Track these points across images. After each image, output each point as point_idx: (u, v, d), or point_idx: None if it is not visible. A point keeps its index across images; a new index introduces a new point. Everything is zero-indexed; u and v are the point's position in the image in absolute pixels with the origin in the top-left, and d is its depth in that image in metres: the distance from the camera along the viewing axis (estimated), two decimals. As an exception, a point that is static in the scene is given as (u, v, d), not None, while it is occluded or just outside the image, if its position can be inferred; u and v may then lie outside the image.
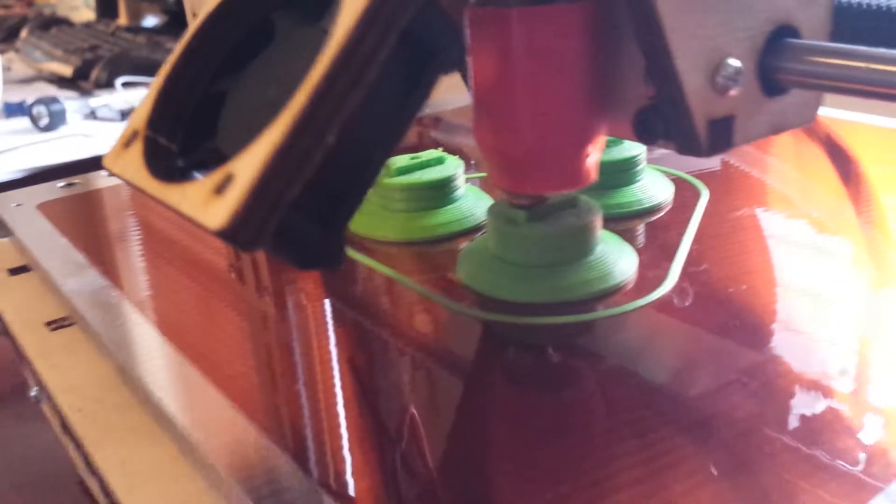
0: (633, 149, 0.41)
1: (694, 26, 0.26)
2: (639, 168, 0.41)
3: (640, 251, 0.36)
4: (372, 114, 0.23)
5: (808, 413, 0.26)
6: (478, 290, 0.34)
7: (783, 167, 0.48)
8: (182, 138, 0.26)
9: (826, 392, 0.27)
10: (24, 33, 1.28)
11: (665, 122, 0.28)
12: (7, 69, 1.15)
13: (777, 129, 0.30)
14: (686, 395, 0.27)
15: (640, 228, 0.40)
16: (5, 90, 1.05)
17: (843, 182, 0.46)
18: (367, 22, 0.21)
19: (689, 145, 0.28)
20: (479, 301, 0.34)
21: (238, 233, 0.21)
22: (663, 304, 0.32)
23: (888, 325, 0.31)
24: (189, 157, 0.26)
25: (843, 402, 0.26)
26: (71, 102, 0.97)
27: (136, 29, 1.30)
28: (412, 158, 0.42)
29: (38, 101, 0.92)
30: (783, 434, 0.24)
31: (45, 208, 0.49)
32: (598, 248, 0.34)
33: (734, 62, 0.27)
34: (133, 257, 0.42)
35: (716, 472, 0.23)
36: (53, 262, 0.41)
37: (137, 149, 0.25)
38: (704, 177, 0.45)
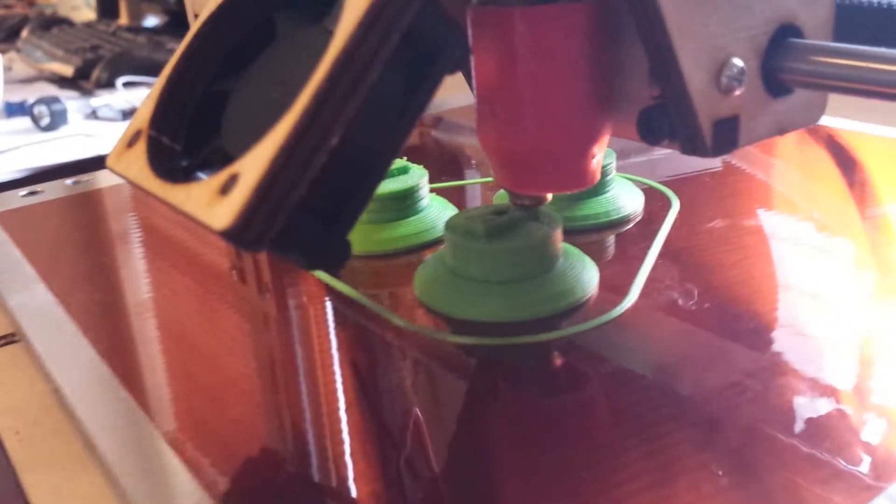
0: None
1: (697, 25, 0.26)
2: (608, 178, 0.40)
3: (603, 266, 0.35)
4: (376, 114, 0.23)
5: (807, 418, 0.26)
6: (432, 307, 0.33)
7: (758, 175, 0.47)
8: (185, 138, 0.26)
9: (827, 393, 0.27)
10: (25, 33, 1.28)
11: (670, 123, 0.28)
12: (8, 69, 1.15)
13: (783, 130, 0.30)
14: (645, 417, 0.26)
15: (609, 241, 0.39)
16: (6, 90, 1.05)
17: (850, 185, 0.46)
18: (369, 23, 0.21)
19: (694, 145, 0.28)
20: (434, 319, 0.32)
21: (243, 233, 0.21)
22: (622, 323, 0.31)
23: (868, 337, 0.30)
24: (193, 157, 0.26)
25: (840, 406, 0.26)
26: (72, 102, 0.97)
27: (136, 29, 1.30)
28: None
29: (40, 101, 0.92)
30: (783, 437, 0.24)
31: (4, 218, 0.48)
32: (558, 264, 0.33)
33: (738, 62, 0.27)
34: (85, 272, 0.40)
35: (714, 479, 0.23)
36: (3, 275, 0.39)
37: (140, 149, 0.25)
38: (675, 185, 0.44)
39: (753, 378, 0.27)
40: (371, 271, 0.38)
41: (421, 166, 0.41)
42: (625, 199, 0.40)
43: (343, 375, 0.30)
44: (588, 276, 0.33)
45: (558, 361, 0.30)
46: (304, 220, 0.23)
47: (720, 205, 0.42)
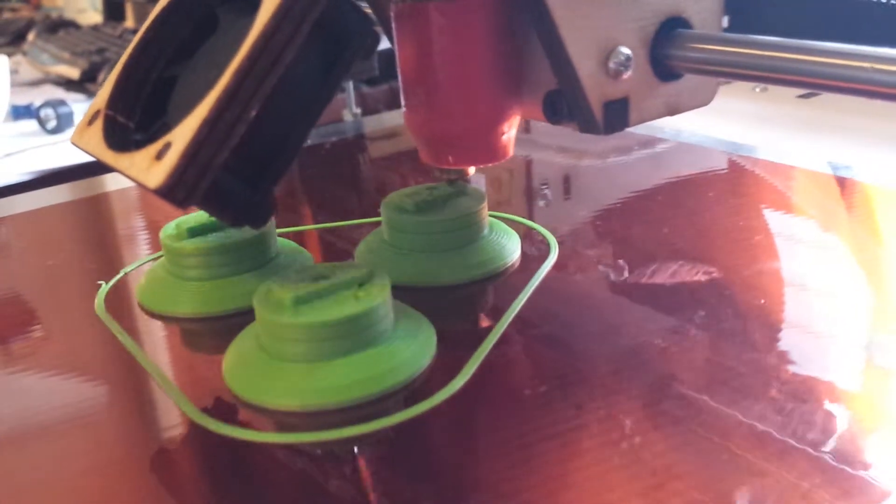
0: (472, 203, 0.37)
1: (584, 18, 0.30)
2: (480, 224, 0.37)
3: (442, 337, 0.31)
4: (293, 92, 0.27)
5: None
6: (236, 391, 0.28)
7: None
8: (139, 116, 0.30)
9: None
10: (31, 36, 1.31)
11: (568, 104, 0.32)
12: (14, 72, 1.18)
13: (673, 111, 0.33)
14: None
15: (469, 297, 0.35)
16: (13, 93, 1.07)
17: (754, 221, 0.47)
18: (282, 13, 0.25)
19: (588, 125, 0.31)
20: (239, 406, 0.28)
21: (173, 191, 0.25)
22: (447, 409, 0.27)
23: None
24: (144, 132, 0.30)
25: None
26: (78, 105, 0.98)
27: (141, 32, 1.33)
28: (209, 217, 0.34)
29: (46, 104, 0.92)
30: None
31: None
32: (388, 337, 0.29)
33: (625, 49, 0.31)
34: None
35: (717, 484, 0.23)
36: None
37: (98, 126, 0.29)
38: (559, 224, 0.42)
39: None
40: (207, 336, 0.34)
41: None
42: (500, 247, 0.37)
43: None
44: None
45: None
46: (231, 182, 0.27)
47: (599, 249, 0.40)
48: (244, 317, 0.32)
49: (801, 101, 0.67)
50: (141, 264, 0.40)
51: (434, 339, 0.30)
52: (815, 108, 0.65)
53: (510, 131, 0.34)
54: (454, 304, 0.35)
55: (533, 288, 0.35)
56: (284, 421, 0.27)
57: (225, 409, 0.28)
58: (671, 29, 0.32)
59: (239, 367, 0.29)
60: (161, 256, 0.37)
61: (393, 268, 0.35)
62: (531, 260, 0.38)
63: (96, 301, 0.36)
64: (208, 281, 0.34)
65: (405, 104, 0.34)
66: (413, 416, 0.27)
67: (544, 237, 0.40)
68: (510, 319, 0.32)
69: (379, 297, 0.28)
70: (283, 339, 0.28)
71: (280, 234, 0.38)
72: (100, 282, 0.38)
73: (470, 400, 0.28)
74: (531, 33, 0.32)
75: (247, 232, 0.34)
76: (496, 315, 0.33)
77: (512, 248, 0.37)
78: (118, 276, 0.39)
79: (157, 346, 0.33)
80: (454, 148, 0.33)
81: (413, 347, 0.29)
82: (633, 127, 0.32)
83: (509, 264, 0.37)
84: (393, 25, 0.33)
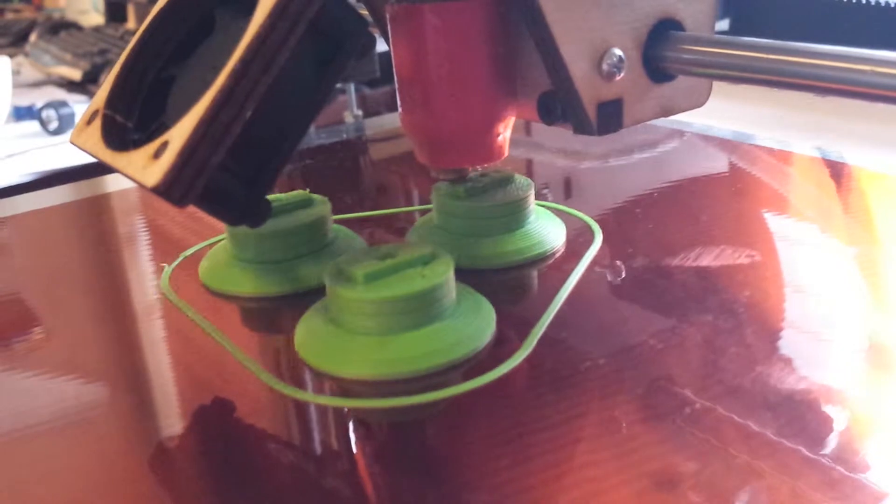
0: (520, 190, 0.37)
1: (577, 20, 0.30)
2: (527, 210, 0.38)
3: (502, 315, 0.32)
4: (289, 92, 0.27)
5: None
6: (309, 362, 0.30)
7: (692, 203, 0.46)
8: (137, 116, 0.31)
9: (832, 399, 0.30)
10: (33, 37, 1.31)
11: (562, 105, 0.32)
12: (16, 73, 1.18)
13: (667, 112, 0.34)
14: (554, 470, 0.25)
15: (519, 279, 0.36)
16: (15, 94, 1.07)
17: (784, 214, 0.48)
18: (276, 14, 0.25)
19: (582, 126, 0.32)
20: (310, 376, 0.30)
21: (170, 190, 0.25)
22: (510, 380, 0.29)
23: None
24: (142, 132, 0.30)
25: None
26: (80, 106, 0.98)
27: (142, 34, 1.33)
28: (273, 201, 0.35)
29: (48, 105, 0.92)
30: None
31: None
32: (452, 313, 0.30)
33: (618, 51, 0.31)
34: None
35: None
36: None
37: (97, 125, 0.30)
38: (604, 215, 0.42)
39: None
40: (263, 317, 0.35)
41: (324, 197, 0.39)
42: (544, 233, 0.38)
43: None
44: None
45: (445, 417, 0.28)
46: (227, 181, 0.27)
47: (643, 240, 0.40)
48: (305, 297, 0.34)
49: (799, 104, 0.68)
50: (202, 247, 0.41)
51: (493, 316, 0.32)
52: (813, 112, 0.65)
53: (505, 132, 0.34)
54: (504, 286, 0.36)
55: (582, 271, 0.36)
56: (355, 389, 0.29)
57: (301, 378, 0.30)
58: (664, 31, 0.32)
59: (312, 340, 0.31)
60: (223, 240, 0.38)
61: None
62: (577, 245, 0.39)
63: (160, 281, 0.38)
64: (269, 264, 0.36)
65: (401, 105, 0.34)
66: (477, 386, 0.28)
67: (588, 225, 0.41)
68: (563, 299, 0.34)
69: (443, 275, 0.30)
70: (354, 313, 0.29)
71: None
72: (163, 264, 0.39)
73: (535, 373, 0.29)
74: (525, 35, 0.32)
75: (305, 217, 0.36)
76: (547, 297, 0.34)
77: (558, 234, 0.38)
78: (180, 259, 0.40)
79: (223, 322, 0.34)
80: (450, 148, 0.34)
81: (476, 323, 0.31)
82: (626, 127, 0.33)
83: (555, 249, 0.38)
84: (388, 27, 0.33)
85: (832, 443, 0.25)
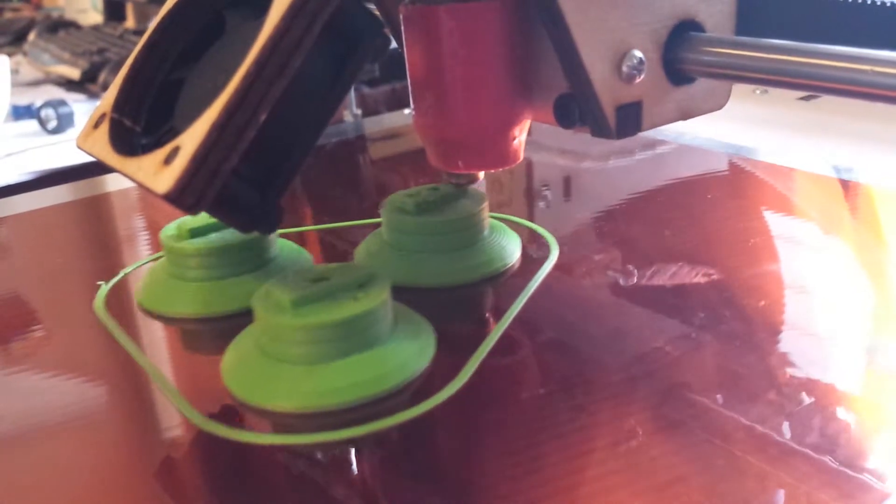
0: (473, 204, 0.36)
1: (597, 21, 0.29)
2: (480, 225, 0.37)
3: (442, 338, 0.31)
4: (302, 95, 0.26)
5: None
6: (234, 393, 0.28)
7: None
8: (146, 120, 0.30)
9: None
10: (31, 36, 1.31)
11: (580, 108, 0.31)
12: (15, 72, 1.18)
13: (686, 115, 0.33)
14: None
15: (468, 298, 0.35)
16: (13, 93, 1.06)
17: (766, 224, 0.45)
18: (291, 16, 0.24)
19: (600, 129, 0.31)
20: (236, 408, 0.28)
21: (182, 197, 0.24)
22: (446, 410, 0.27)
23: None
24: (151, 136, 0.29)
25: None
26: (79, 105, 0.98)
27: (143, 32, 1.32)
28: (210, 218, 0.34)
29: (47, 104, 0.92)
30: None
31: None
32: (387, 339, 0.29)
33: (638, 53, 0.30)
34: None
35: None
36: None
37: (104, 129, 0.29)
38: (560, 225, 0.41)
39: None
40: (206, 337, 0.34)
41: None
42: (500, 249, 0.37)
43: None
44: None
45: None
46: (240, 187, 0.26)
47: (600, 252, 0.39)
48: (243, 318, 0.31)
49: (802, 103, 0.67)
50: (141, 265, 0.40)
51: (433, 340, 0.30)
52: (816, 111, 0.65)
53: (521, 135, 0.33)
54: (454, 306, 0.35)
55: (533, 289, 0.35)
56: (284, 423, 0.27)
57: (224, 411, 0.28)
58: (684, 32, 0.31)
59: (238, 368, 0.29)
60: (161, 257, 0.36)
61: (393, 269, 0.35)
62: (532, 262, 0.37)
63: (95, 301, 0.36)
64: (208, 282, 0.34)
65: (414, 107, 0.33)
66: (411, 417, 0.26)
67: (545, 238, 0.40)
68: (510, 321, 0.32)
69: (378, 299, 0.28)
70: (282, 340, 0.27)
71: (281, 235, 0.38)
72: (99, 282, 0.38)
73: (473, 402, 0.28)
74: (542, 36, 0.32)
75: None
76: (496, 317, 0.32)
77: (512, 250, 0.37)
78: (118, 277, 0.38)
79: (156, 346, 0.33)
80: (464, 152, 0.33)
81: (412, 349, 0.29)
82: (645, 130, 0.32)
83: (509, 265, 0.37)
84: (402, 28, 0.32)
85: (862, 454, 0.24)
